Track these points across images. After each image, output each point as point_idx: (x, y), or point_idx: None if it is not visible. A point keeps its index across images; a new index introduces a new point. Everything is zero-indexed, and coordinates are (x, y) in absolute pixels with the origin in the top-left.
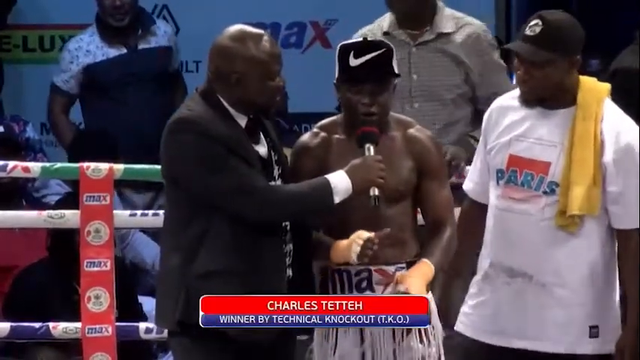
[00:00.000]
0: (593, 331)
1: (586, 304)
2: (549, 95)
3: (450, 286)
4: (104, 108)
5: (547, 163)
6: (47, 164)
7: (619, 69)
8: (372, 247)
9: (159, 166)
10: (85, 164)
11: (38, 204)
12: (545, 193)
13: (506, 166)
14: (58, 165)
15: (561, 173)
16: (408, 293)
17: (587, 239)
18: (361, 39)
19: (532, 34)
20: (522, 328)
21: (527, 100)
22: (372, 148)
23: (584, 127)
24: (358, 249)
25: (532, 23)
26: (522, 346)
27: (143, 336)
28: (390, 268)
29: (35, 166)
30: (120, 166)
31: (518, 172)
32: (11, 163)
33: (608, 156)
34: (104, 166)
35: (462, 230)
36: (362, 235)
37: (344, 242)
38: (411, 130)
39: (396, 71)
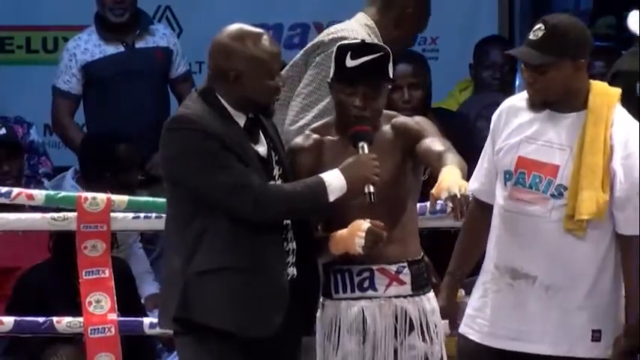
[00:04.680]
0: (596, 335)
1: (589, 307)
2: (556, 99)
3: (455, 287)
4: (102, 106)
5: (556, 166)
6: (51, 192)
7: (620, 71)
8: (377, 239)
9: (162, 200)
10: (84, 195)
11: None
12: (553, 196)
13: (515, 168)
14: (63, 194)
15: (570, 177)
16: (453, 193)
17: (593, 243)
18: (359, 40)
19: (535, 38)
20: (524, 331)
21: (534, 104)
22: (365, 146)
23: (595, 132)
24: (362, 241)
25: (536, 27)
26: (523, 348)
27: (147, 331)
28: (392, 267)
29: (39, 194)
30: (124, 198)
31: (527, 174)
32: (15, 190)
33: (617, 161)
34: (101, 198)
35: (466, 230)
36: (361, 226)
37: (343, 232)
38: (394, 119)
39: (391, 76)
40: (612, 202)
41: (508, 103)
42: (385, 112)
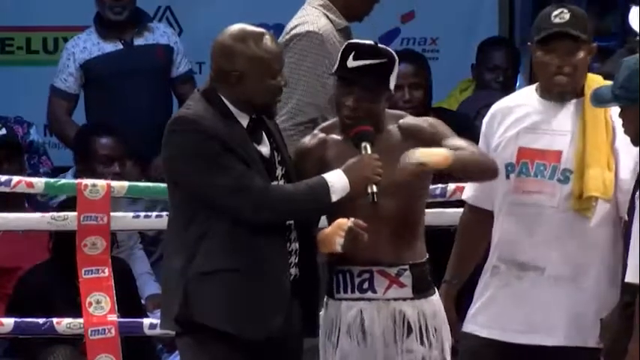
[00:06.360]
0: None
1: (598, 296)
2: (577, 85)
3: (453, 295)
4: (102, 104)
5: (558, 151)
6: (51, 180)
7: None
8: (357, 236)
9: (163, 184)
10: (83, 182)
11: (42, 205)
12: (559, 181)
13: (517, 159)
14: (63, 181)
15: (574, 158)
16: (411, 161)
17: (600, 231)
18: (372, 42)
19: (562, 20)
20: (536, 323)
21: (562, 93)
22: (368, 146)
23: (595, 113)
24: (341, 240)
25: (556, 12)
26: (535, 341)
27: (147, 332)
28: (392, 270)
29: (39, 182)
30: (124, 184)
31: (530, 164)
32: (15, 178)
33: (620, 141)
34: (101, 185)
35: (464, 239)
36: (342, 225)
37: (327, 230)
38: (402, 120)
39: (391, 86)
40: (617, 184)
41: (498, 105)
42: (391, 112)
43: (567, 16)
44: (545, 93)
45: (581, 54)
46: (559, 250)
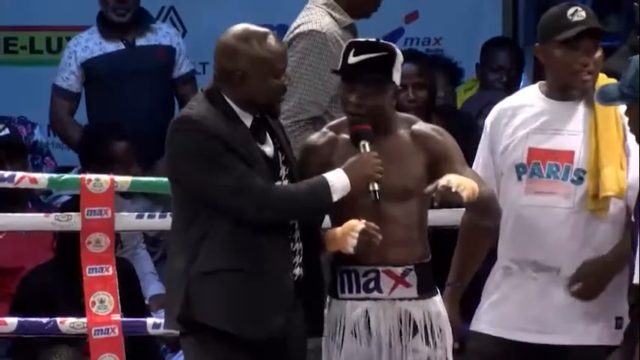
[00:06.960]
0: (619, 322)
1: (612, 294)
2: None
3: (456, 297)
4: (102, 104)
5: (570, 151)
6: (54, 175)
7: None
8: (371, 238)
9: (166, 179)
10: (87, 176)
11: (46, 206)
12: (573, 181)
13: (527, 160)
14: (66, 176)
15: (588, 158)
16: (449, 187)
17: (612, 230)
18: (374, 39)
19: (582, 18)
20: (549, 323)
21: (584, 91)
22: (367, 145)
23: (605, 112)
24: (354, 241)
25: (572, 11)
26: (549, 340)
27: (151, 331)
28: (398, 270)
29: (42, 177)
30: (127, 179)
31: (542, 165)
32: (19, 174)
33: (630, 139)
34: (105, 179)
35: (463, 240)
36: (355, 226)
37: (337, 231)
38: (415, 126)
39: (395, 79)
40: (627, 184)
41: (502, 106)
42: (403, 115)
43: (584, 13)
44: (561, 92)
45: (600, 51)
46: (574, 251)
